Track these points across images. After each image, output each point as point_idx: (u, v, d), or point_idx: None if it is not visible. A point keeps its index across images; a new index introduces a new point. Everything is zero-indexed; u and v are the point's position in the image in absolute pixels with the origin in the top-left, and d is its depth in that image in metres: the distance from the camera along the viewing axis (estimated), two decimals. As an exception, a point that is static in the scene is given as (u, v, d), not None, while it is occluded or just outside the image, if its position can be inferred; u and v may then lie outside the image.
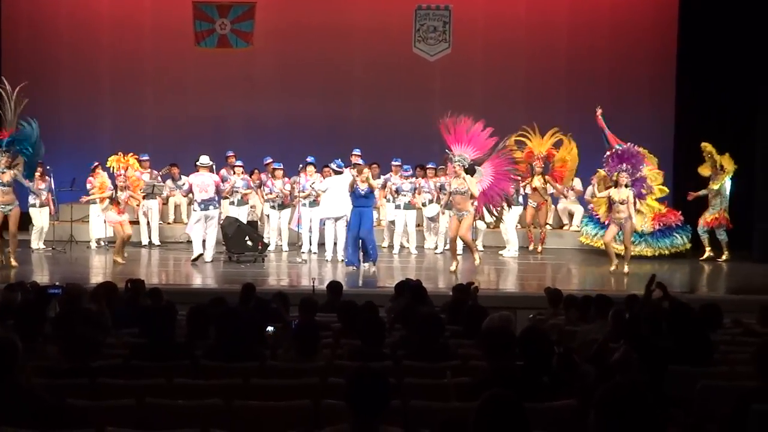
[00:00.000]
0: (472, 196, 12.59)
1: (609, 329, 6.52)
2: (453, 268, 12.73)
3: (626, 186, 13.16)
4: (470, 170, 12.59)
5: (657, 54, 17.32)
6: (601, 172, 14.18)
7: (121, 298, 8.00)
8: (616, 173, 13.35)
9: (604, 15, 17.74)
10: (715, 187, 14.50)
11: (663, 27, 17.18)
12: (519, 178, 13.83)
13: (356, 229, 13.06)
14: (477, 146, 12.68)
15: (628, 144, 13.98)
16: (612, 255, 13.30)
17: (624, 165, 13.42)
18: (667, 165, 15.64)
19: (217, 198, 14.05)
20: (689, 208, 15.06)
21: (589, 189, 14.82)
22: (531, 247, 15.36)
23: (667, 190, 14.99)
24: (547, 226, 15.89)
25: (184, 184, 14.51)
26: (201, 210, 13.84)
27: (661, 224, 14.74)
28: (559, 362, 5.26)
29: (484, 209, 13.13)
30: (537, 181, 15.08)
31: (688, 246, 14.85)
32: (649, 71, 17.39)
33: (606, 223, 13.92)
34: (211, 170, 14.33)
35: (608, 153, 13.90)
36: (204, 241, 13.79)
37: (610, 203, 13.28)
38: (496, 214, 13.57)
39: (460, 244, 13.32)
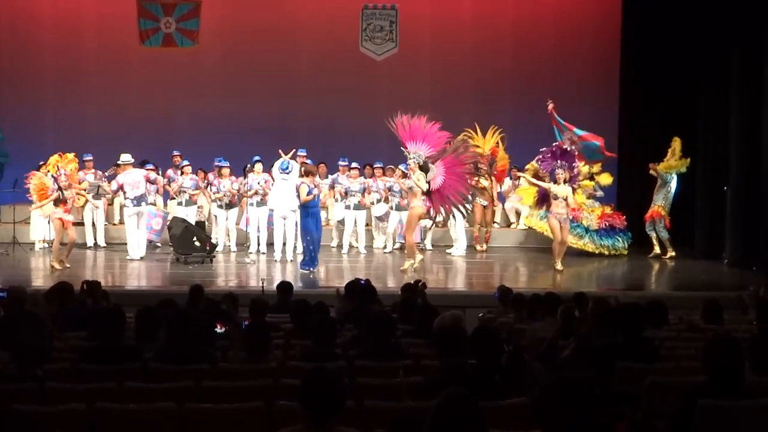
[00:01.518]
0: (426, 191, 12.61)
1: (558, 327, 6.62)
2: (405, 266, 12.74)
3: (564, 182, 13.33)
4: (424, 167, 12.63)
5: (601, 53, 17.55)
6: (533, 164, 14.35)
7: (75, 300, 7.87)
8: (551, 171, 13.48)
9: (548, 15, 17.93)
10: (664, 173, 14.73)
11: (606, 27, 17.42)
12: (476, 177, 13.83)
13: (318, 232, 13.06)
14: (431, 143, 12.71)
15: (559, 142, 14.22)
16: (557, 253, 13.41)
17: (559, 162, 13.57)
18: (611, 164, 15.87)
19: (147, 193, 14.19)
20: (632, 210, 15.32)
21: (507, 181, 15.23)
22: (478, 247, 15.46)
23: (611, 178, 15.25)
24: (495, 225, 16.03)
25: (112, 185, 14.36)
26: (134, 206, 13.93)
27: (607, 224, 14.96)
28: (509, 360, 5.32)
29: (441, 209, 13.00)
30: (483, 181, 15.19)
31: (625, 252, 15.08)
32: (593, 71, 17.62)
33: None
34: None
35: (544, 151, 14.03)
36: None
37: (547, 197, 13.39)
38: (449, 214, 13.36)
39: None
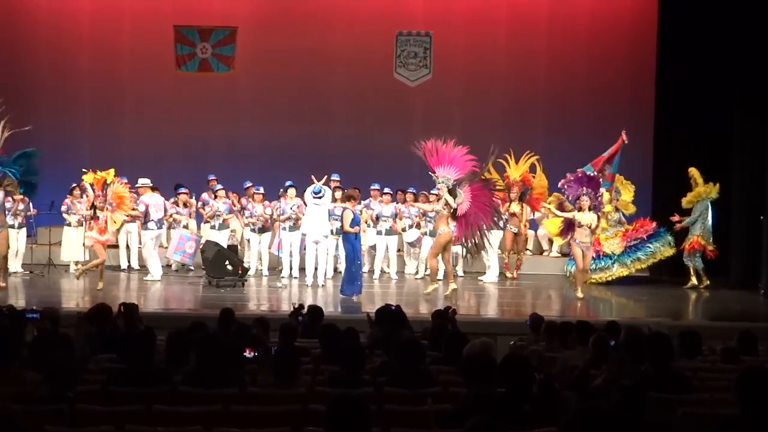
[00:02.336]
0: (453, 215, 12.62)
1: (589, 356, 6.54)
2: (429, 290, 12.74)
3: (590, 209, 13.25)
4: (452, 191, 12.66)
5: (635, 80, 17.48)
6: (556, 195, 14.30)
7: (114, 322, 7.90)
8: (576, 198, 13.41)
9: (582, 42, 17.90)
10: (692, 206, 14.59)
11: (641, 54, 17.34)
12: (499, 209, 13.80)
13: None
14: (459, 167, 12.75)
15: (583, 170, 14.16)
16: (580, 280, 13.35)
17: (585, 188, 13.51)
18: (646, 192, 15.77)
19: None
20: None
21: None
22: (508, 274, 15.37)
23: (634, 208, 15.12)
24: (527, 252, 15.94)
25: (139, 206, 14.52)
26: (158, 228, 14.50)
27: (631, 240, 14.79)
28: (539, 389, 5.26)
29: (466, 235, 13.03)
30: (515, 207, 15.13)
31: (667, 251, 14.85)
32: (628, 97, 17.53)
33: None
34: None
35: (568, 177, 13.96)
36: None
37: (572, 225, 13.31)
38: (471, 245, 13.33)
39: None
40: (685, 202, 14.69)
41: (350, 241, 12.91)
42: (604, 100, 17.48)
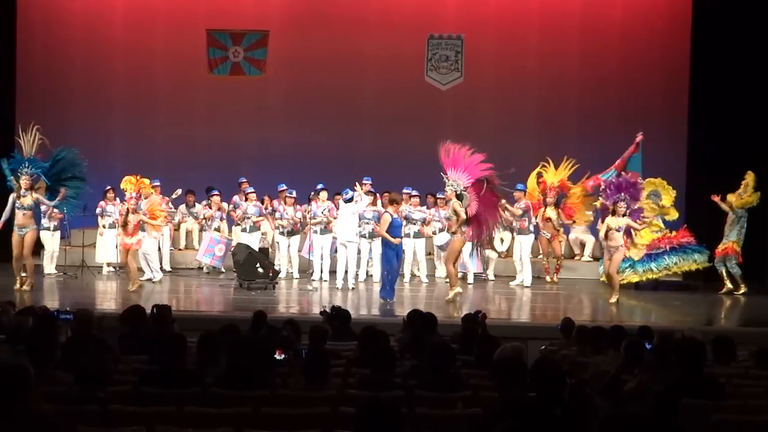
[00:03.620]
0: (458, 220, 12.62)
1: (622, 361, 6.49)
2: (451, 295, 12.72)
3: (624, 215, 13.18)
4: (459, 196, 12.65)
5: (669, 84, 17.33)
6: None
7: (147, 323, 7.96)
8: (613, 203, 13.34)
9: (614, 43, 17.76)
10: (738, 210, 14.41)
11: (675, 55, 17.20)
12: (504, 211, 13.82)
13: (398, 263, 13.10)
14: (471, 174, 12.71)
15: (630, 174, 14.06)
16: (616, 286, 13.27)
17: (622, 194, 13.43)
18: (680, 195, 15.60)
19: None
20: (702, 241, 14.98)
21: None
22: (548, 279, 15.29)
23: (677, 214, 14.98)
24: (561, 257, 15.84)
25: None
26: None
27: (651, 249, 14.63)
28: (570, 394, 5.23)
29: (479, 235, 13.08)
30: (550, 212, 15.05)
31: (684, 267, 14.68)
32: (661, 99, 17.40)
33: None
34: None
35: (608, 181, 13.90)
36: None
37: (606, 231, 13.26)
38: (483, 243, 13.34)
39: (443, 272, 13.50)
40: (736, 204, 14.46)
41: (389, 245, 12.90)
42: (637, 102, 17.34)
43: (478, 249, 13.55)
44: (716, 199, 14.44)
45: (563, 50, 17.89)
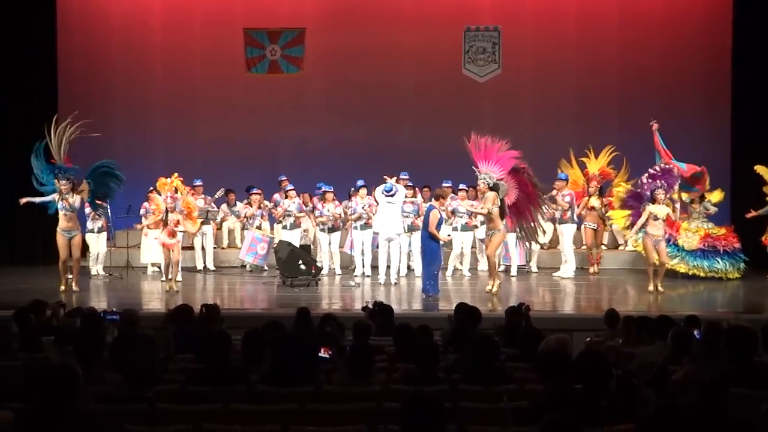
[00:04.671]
0: (503, 211, 12.56)
1: (669, 351, 6.42)
2: (490, 288, 12.65)
3: (664, 203, 13.09)
4: (494, 187, 12.57)
5: (711, 71, 17.12)
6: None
7: (194, 322, 8.02)
8: (653, 191, 13.22)
9: (655, 32, 17.57)
10: None
11: (717, 44, 16.98)
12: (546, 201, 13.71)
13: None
14: (503, 166, 12.64)
15: (662, 164, 13.93)
16: (652, 275, 13.15)
17: (659, 182, 13.30)
18: (725, 186, 15.41)
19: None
20: (746, 229, 14.76)
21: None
22: (591, 270, 15.18)
23: (722, 194, 14.80)
24: (603, 247, 15.72)
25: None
26: None
27: (707, 245, 14.46)
28: (617, 385, 5.19)
29: (518, 229, 13.03)
30: (594, 202, 14.92)
31: (732, 274, 14.49)
32: (704, 88, 17.19)
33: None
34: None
35: (643, 177, 13.83)
36: None
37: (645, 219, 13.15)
38: (529, 233, 13.26)
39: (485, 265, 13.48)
40: None
41: (433, 239, 12.88)
42: (678, 93, 17.15)
43: (523, 240, 13.45)
44: (752, 214, 14.33)
45: (602, 38, 17.74)
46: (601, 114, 17.54)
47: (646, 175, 13.71)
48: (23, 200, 13.38)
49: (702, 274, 14.43)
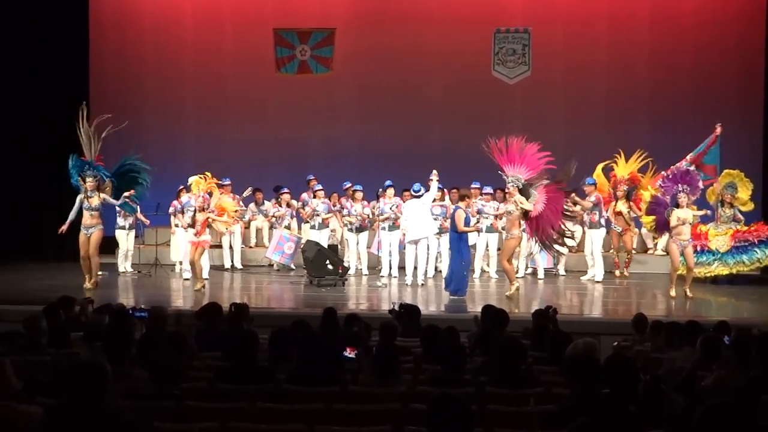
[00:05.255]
0: (525, 215, 12.47)
1: (698, 356, 6.35)
2: (511, 291, 12.60)
3: (687, 206, 12.97)
4: (524, 191, 12.47)
5: (744, 73, 16.98)
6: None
7: (223, 320, 8.06)
8: (674, 195, 13.14)
9: (687, 34, 17.45)
10: None
11: (749, 46, 16.84)
12: (572, 215, 13.58)
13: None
14: (530, 166, 12.52)
15: (681, 164, 13.82)
16: (673, 280, 13.06)
17: (680, 186, 13.19)
18: (756, 184, 15.25)
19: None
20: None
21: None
22: (617, 273, 15.09)
23: (753, 205, 14.67)
24: (632, 251, 15.61)
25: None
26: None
27: (739, 241, 14.33)
28: (645, 390, 5.14)
29: (538, 242, 12.89)
30: (621, 206, 14.82)
31: None
32: (735, 91, 17.04)
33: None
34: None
35: (663, 176, 13.73)
36: None
37: (667, 222, 13.03)
38: (551, 246, 13.12)
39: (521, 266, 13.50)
40: None
41: (461, 239, 12.85)
42: (710, 94, 17.01)
43: (545, 246, 13.34)
44: None
45: (633, 40, 17.63)
46: (631, 116, 17.43)
47: (665, 177, 13.63)
48: (64, 228, 13.40)
49: (746, 269, 14.30)
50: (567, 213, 12.97)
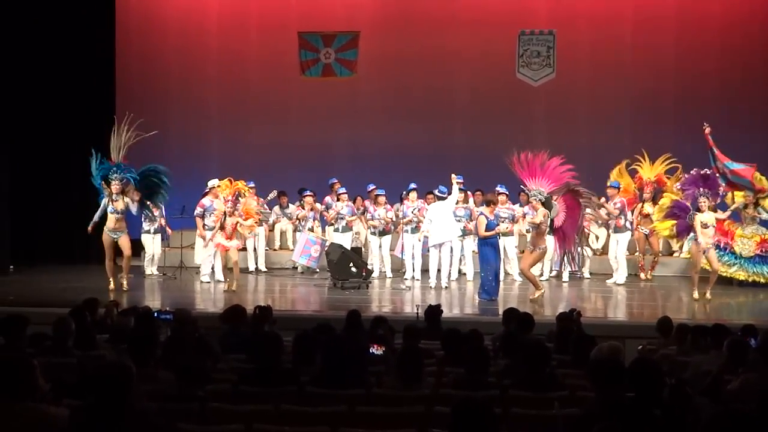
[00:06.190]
0: (551, 229, 12.46)
1: (725, 360, 6.30)
2: (535, 295, 12.55)
3: (709, 209, 12.91)
4: (547, 204, 12.45)
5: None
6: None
7: (248, 323, 8.09)
8: (695, 199, 13.06)
9: (713, 36, 17.32)
10: None
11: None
12: (589, 222, 13.50)
13: (496, 262, 13.00)
14: (552, 179, 12.50)
15: (703, 170, 13.74)
16: (695, 282, 12.99)
17: (701, 189, 13.11)
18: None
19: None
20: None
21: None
22: (642, 276, 15.00)
23: None
24: (660, 254, 15.51)
25: (197, 210, 14.49)
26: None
27: (764, 250, 14.21)
28: (670, 394, 5.11)
29: (564, 256, 12.87)
30: (648, 208, 14.73)
31: None
32: (763, 92, 16.89)
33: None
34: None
35: (684, 178, 13.67)
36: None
37: (689, 227, 12.98)
38: (573, 256, 13.07)
39: (536, 270, 13.43)
40: None
41: (486, 244, 12.84)
42: (737, 96, 16.88)
43: (568, 257, 13.26)
44: None
45: (659, 43, 17.53)
46: (657, 119, 17.33)
47: (686, 180, 13.58)
48: (90, 229, 13.51)
49: (763, 281, 14.19)
50: (590, 217, 12.91)
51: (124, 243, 13.27)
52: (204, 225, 14.40)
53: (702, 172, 13.72)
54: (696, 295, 12.83)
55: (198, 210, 14.45)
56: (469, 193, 15.16)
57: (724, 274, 14.15)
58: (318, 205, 15.90)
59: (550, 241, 12.92)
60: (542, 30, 17.98)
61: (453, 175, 13.84)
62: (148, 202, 13.69)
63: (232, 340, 7.59)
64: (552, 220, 12.47)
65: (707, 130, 14.27)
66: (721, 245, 13.73)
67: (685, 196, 13.45)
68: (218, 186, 14.25)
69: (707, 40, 17.33)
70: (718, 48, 17.25)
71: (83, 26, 17.13)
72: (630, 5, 17.85)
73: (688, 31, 17.44)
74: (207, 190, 14.47)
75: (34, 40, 16.80)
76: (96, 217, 13.35)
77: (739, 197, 14.44)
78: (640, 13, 17.70)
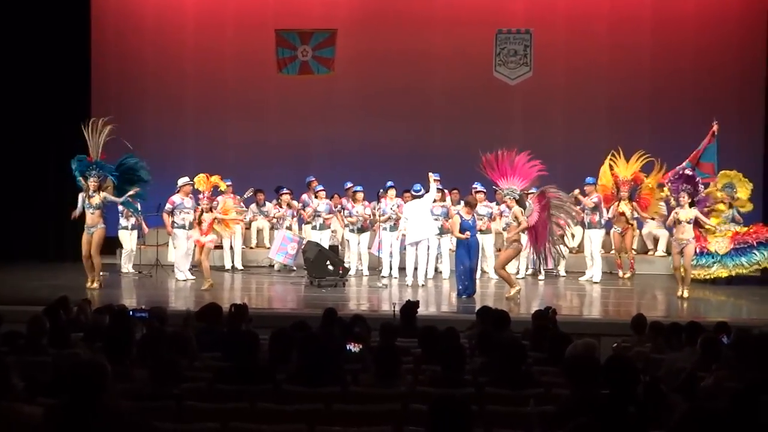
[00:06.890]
0: (519, 226, 12.54)
1: (698, 357, 6.36)
2: (511, 293, 12.59)
3: (690, 205, 12.99)
4: (521, 202, 12.54)
5: (744, 75, 16.98)
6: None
7: (223, 321, 8.07)
8: (678, 194, 13.19)
9: (689, 36, 17.44)
10: None
11: (751, 48, 16.84)
12: (563, 225, 13.56)
13: (471, 261, 13.02)
14: (523, 176, 12.59)
15: (682, 165, 13.86)
16: (680, 280, 13.06)
17: (683, 185, 13.23)
18: (757, 187, 15.26)
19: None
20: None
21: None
22: (620, 273, 15.07)
23: (752, 206, 14.68)
24: (632, 251, 15.60)
25: (167, 206, 14.48)
26: (188, 229, 14.32)
27: (738, 243, 14.35)
28: (645, 391, 5.15)
29: (537, 252, 12.95)
30: (624, 206, 14.80)
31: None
32: (737, 92, 17.03)
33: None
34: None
35: (669, 175, 13.77)
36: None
37: (675, 223, 13.09)
38: (545, 255, 13.15)
39: (513, 268, 13.61)
40: None
41: (462, 243, 12.89)
42: (711, 95, 16.98)
43: (542, 257, 13.34)
44: None
45: (635, 42, 17.63)
46: (633, 117, 17.42)
47: (674, 173, 13.72)
48: (75, 214, 13.44)
49: (745, 271, 14.32)
50: (564, 213, 12.93)
51: (96, 237, 13.16)
52: (173, 222, 14.35)
53: (685, 171, 13.82)
54: (682, 292, 12.89)
55: (167, 206, 14.40)
56: (446, 191, 15.19)
57: (707, 276, 14.27)
58: (294, 203, 15.88)
59: (524, 239, 13.00)
60: (519, 29, 18.03)
61: (430, 174, 13.89)
62: (132, 194, 13.57)
63: (208, 338, 7.56)
64: (527, 219, 12.52)
65: (715, 128, 14.39)
66: (696, 250, 13.80)
67: (672, 189, 13.54)
68: (191, 183, 14.19)
69: (682, 40, 17.45)
70: (693, 48, 17.37)
71: (59, 24, 17.01)
72: (606, 5, 17.94)
73: (663, 31, 17.55)
74: (178, 188, 14.43)
75: (8, 38, 16.68)
76: (77, 211, 13.29)
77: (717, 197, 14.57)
78: (616, 12, 17.78)
